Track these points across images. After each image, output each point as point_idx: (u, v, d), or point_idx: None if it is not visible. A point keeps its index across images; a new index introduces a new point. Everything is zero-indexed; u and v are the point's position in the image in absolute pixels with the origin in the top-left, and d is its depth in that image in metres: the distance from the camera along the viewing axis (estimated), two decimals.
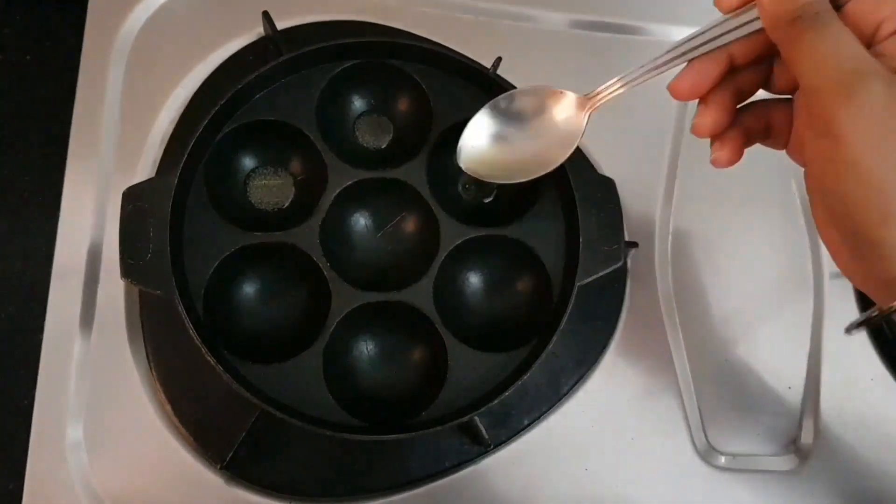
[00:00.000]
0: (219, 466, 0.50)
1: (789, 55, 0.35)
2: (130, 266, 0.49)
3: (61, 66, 0.58)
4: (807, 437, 0.57)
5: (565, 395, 0.56)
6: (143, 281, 0.49)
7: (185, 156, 0.50)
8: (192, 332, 0.47)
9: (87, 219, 0.55)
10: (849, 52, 0.33)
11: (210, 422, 0.52)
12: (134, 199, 0.50)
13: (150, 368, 0.53)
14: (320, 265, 0.51)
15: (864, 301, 0.59)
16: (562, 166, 0.53)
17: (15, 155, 0.58)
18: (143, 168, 0.57)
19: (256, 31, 0.60)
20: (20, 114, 0.59)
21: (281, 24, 0.59)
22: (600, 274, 0.51)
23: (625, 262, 0.57)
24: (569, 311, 0.50)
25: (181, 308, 0.48)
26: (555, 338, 0.49)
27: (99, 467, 0.51)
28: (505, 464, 0.54)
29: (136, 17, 0.59)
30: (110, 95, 0.57)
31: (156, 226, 0.49)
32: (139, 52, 0.58)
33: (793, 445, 0.57)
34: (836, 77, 0.33)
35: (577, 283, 0.51)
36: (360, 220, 0.55)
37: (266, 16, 0.58)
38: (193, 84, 0.58)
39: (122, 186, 0.50)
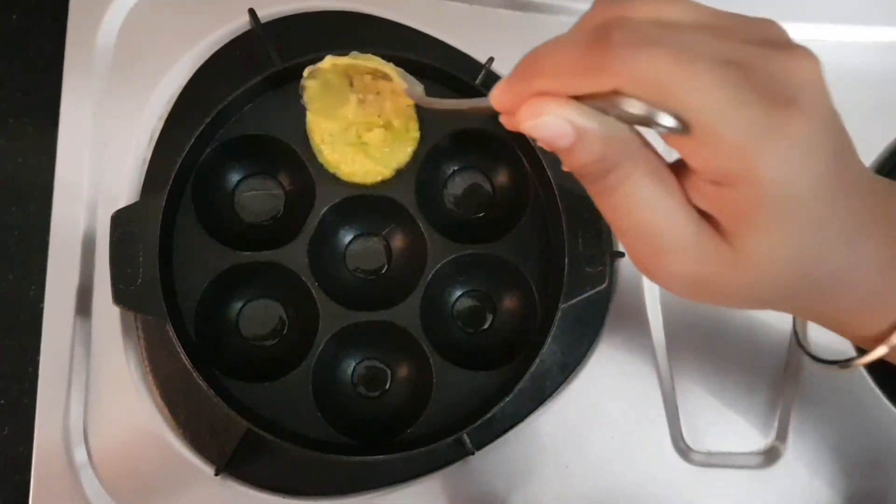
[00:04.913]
0: (214, 473, 0.53)
1: (599, 203, 0.31)
2: (121, 291, 0.50)
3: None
4: (783, 435, 0.59)
5: (549, 397, 0.57)
6: (134, 306, 0.50)
7: (172, 177, 0.50)
8: (183, 356, 0.49)
9: (79, 222, 0.56)
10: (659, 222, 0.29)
11: (206, 425, 0.54)
12: (123, 223, 0.50)
13: (147, 372, 0.54)
14: (308, 284, 0.52)
15: None
16: (549, 180, 0.53)
17: None
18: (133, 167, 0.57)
19: (238, 21, 0.58)
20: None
21: (266, 13, 0.57)
22: (584, 296, 0.52)
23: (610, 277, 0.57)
24: (552, 332, 0.51)
25: (173, 334, 0.49)
26: (538, 359, 0.51)
27: (99, 471, 0.54)
28: (487, 463, 0.56)
29: (115, 15, 0.57)
30: (93, 99, 0.57)
31: (145, 250, 0.50)
32: (121, 51, 0.57)
33: (770, 443, 0.59)
34: (650, 244, 0.30)
35: (562, 306, 0.51)
36: (348, 238, 0.55)
37: (252, 13, 0.56)
38: (179, 82, 0.57)
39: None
